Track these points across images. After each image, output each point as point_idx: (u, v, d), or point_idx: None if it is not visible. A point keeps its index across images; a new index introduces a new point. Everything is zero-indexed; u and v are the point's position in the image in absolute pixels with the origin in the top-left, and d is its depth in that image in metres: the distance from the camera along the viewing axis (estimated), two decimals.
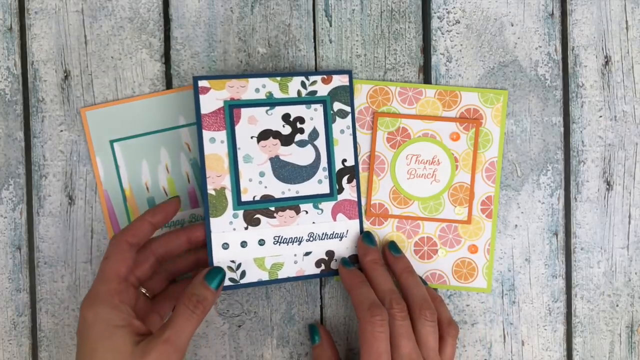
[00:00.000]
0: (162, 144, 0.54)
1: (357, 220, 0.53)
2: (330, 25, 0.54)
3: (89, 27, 0.54)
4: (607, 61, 0.55)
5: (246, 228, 0.51)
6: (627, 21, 0.55)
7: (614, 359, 0.55)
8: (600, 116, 0.55)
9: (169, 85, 0.54)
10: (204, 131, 0.50)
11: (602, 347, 0.55)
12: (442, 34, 0.54)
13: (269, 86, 0.52)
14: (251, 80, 0.51)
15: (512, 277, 0.55)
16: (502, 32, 0.54)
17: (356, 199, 0.53)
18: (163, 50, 0.54)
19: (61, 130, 0.54)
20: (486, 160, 0.54)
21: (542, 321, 0.55)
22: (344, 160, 0.53)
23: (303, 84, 0.52)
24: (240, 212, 0.51)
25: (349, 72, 0.53)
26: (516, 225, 0.55)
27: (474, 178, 0.54)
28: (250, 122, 0.51)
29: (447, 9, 0.54)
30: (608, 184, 0.55)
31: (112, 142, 0.53)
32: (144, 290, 0.50)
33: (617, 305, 0.55)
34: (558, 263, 0.55)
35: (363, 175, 0.54)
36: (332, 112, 0.52)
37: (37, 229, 0.54)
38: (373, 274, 0.50)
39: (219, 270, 0.48)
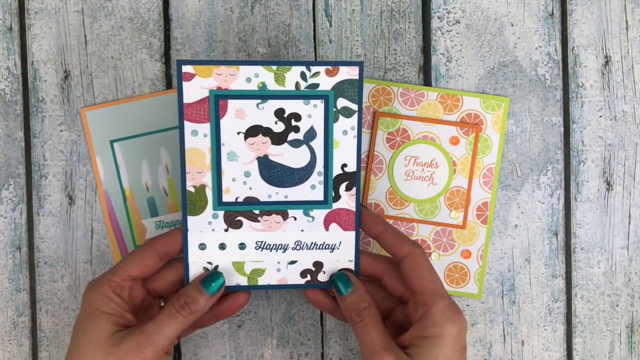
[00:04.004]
0: (162, 144, 0.54)
1: (353, 232, 0.48)
2: (330, 25, 0.54)
3: (89, 27, 0.54)
4: (607, 61, 0.55)
5: (226, 230, 0.48)
6: (627, 21, 0.55)
7: (614, 359, 0.55)
8: (600, 116, 0.55)
9: (169, 85, 0.54)
10: (185, 122, 0.46)
11: (602, 347, 0.55)
12: (442, 34, 0.54)
13: (263, 76, 0.46)
14: (242, 67, 0.46)
15: (512, 277, 0.55)
16: (502, 32, 0.54)
17: (354, 209, 0.48)
18: (163, 50, 0.54)
19: (61, 130, 0.54)
20: (484, 166, 0.54)
21: (542, 321, 0.55)
22: (344, 166, 0.48)
23: (303, 75, 0.46)
24: (221, 213, 0.48)
25: (359, 64, 0.47)
26: (516, 225, 0.55)
27: (471, 183, 0.54)
28: (238, 116, 0.46)
29: (447, 9, 0.54)
30: (608, 184, 0.55)
31: (112, 142, 0.53)
32: (162, 304, 0.50)
33: (617, 305, 0.55)
34: (558, 263, 0.55)
35: (360, 174, 0.54)
36: (335, 109, 0.47)
37: (37, 229, 0.54)
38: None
39: (217, 276, 0.47)
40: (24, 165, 0.54)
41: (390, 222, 0.54)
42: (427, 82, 0.54)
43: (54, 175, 0.54)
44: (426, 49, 0.55)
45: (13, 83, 0.54)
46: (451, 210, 0.54)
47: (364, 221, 0.48)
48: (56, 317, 0.54)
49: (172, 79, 0.54)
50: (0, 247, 0.54)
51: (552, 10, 0.55)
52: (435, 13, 0.54)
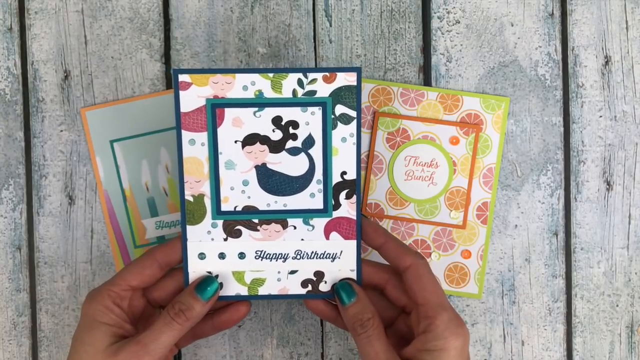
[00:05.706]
0: (162, 144, 0.54)
1: (354, 241, 0.47)
2: (330, 25, 0.54)
3: (89, 27, 0.54)
4: (607, 61, 0.55)
5: (225, 239, 0.47)
6: (627, 21, 0.55)
7: (614, 359, 0.55)
8: (600, 116, 0.55)
9: (169, 85, 0.54)
10: (183, 131, 0.46)
11: (602, 347, 0.55)
12: (442, 34, 0.54)
13: (259, 84, 0.46)
14: (238, 76, 0.46)
15: (512, 277, 0.55)
16: (502, 32, 0.54)
17: (355, 218, 0.47)
18: (163, 50, 0.54)
19: (61, 130, 0.54)
20: (484, 166, 0.54)
21: (542, 321, 0.55)
22: (344, 173, 0.47)
23: (300, 83, 0.46)
24: (220, 222, 0.47)
25: (357, 70, 0.46)
26: (516, 225, 0.55)
27: (471, 183, 0.54)
28: (235, 124, 0.46)
29: (447, 9, 0.54)
30: (608, 184, 0.55)
31: (112, 142, 0.53)
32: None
33: (617, 305, 0.55)
34: (558, 263, 0.55)
35: (360, 182, 0.54)
36: (333, 116, 0.46)
37: (37, 229, 0.54)
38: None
39: (212, 282, 0.47)
40: (24, 165, 0.54)
41: (390, 222, 0.54)
42: (427, 82, 0.54)
43: (54, 175, 0.54)
44: (426, 49, 0.55)
45: (13, 83, 0.54)
46: (451, 210, 0.54)
47: (365, 231, 0.48)
48: (56, 317, 0.54)
49: (172, 79, 0.54)
50: (0, 247, 0.54)
51: (552, 10, 0.55)
52: (435, 13, 0.54)
